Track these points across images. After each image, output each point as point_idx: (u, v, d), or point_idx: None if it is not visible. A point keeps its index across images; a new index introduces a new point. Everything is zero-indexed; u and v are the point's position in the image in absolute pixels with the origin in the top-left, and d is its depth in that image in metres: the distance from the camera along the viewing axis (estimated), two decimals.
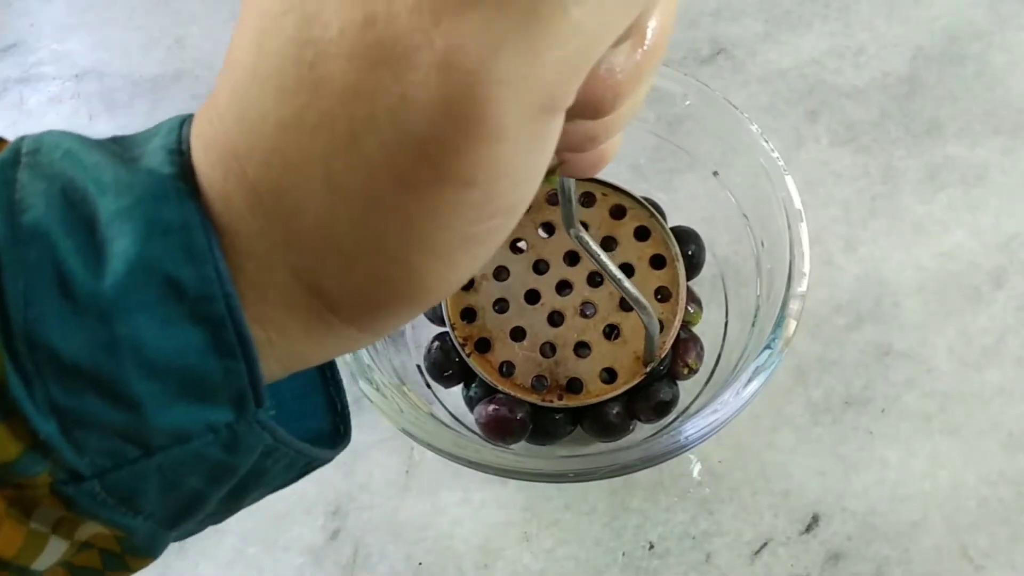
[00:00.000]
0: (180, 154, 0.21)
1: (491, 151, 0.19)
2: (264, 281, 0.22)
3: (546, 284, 0.51)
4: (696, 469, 0.55)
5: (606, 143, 0.26)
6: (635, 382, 0.49)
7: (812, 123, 0.64)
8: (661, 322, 0.49)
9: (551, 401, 0.49)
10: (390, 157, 0.19)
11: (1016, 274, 0.58)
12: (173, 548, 0.53)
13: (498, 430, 0.50)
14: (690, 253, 0.52)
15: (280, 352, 0.23)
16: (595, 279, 0.51)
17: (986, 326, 0.57)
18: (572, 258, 0.51)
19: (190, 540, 0.53)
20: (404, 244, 0.21)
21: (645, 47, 0.22)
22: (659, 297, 0.50)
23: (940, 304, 0.58)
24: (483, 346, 0.50)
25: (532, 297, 0.51)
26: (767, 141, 0.49)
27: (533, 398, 0.49)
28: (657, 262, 0.51)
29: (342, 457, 0.55)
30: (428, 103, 0.18)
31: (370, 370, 0.46)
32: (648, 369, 0.49)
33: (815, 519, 0.53)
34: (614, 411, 0.50)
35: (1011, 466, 0.54)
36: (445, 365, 0.51)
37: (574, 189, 0.37)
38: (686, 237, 0.53)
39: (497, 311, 0.51)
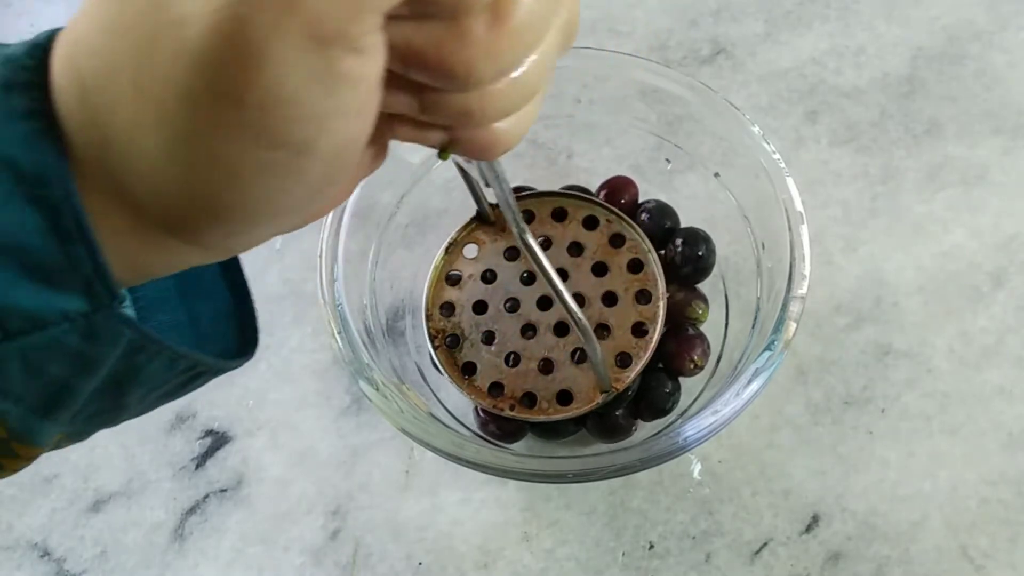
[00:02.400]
0: (42, 50, 0.22)
1: (257, 75, 0.20)
2: (93, 181, 0.23)
3: (528, 296, 0.52)
4: (696, 469, 0.55)
5: (494, 126, 0.26)
6: (587, 408, 0.50)
7: (812, 123, 0.64)
8: (629, 354, 0.50)
9: (501, 409, 0.50)
10: (177, 69, 0.20)
11: (1016, 274, 0.58)
12: (173, 549, 0.54)
13: (497, 428, 0.51)
14: (700, 255, 0.53)
15: (121, 253, 0.24)
16: (577, 300, 0.51)
17: (986, 326, 0.57)
18: (560, 275, 0.52)
19: (189, 540, 0.54)
20: (199, 158, 0.21)
21: (508, 23, 0.22)
22: (635, 331, 0.51)
23: (940, 304, 0.58)
24: (453, 342, 0.51)
25: (512, 306, 0.52)
26: (768, 143, 0.49)
27: (485, 402, 0.50)
28: (643, 297, 0.51)
29: (342, 456, 0.55)
30: (200, 19, 0.19)
31: (369, 369, 0.46)
32: (601, 399, 0.49)
33: (815, 519, 0.53)
34: (617, 413, 0.51)
35: (1011, 466, 0.54)
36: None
37: (507, 188, 0.37)
38: (696, 239, 0.53)
39: (475, 312, 0.52)
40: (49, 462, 0.57)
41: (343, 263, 0.48)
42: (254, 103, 0.20)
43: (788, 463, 0.55)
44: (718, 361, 0.53)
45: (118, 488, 0.56)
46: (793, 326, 0.45)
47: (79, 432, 0.29)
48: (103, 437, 0.57)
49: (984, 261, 0.59)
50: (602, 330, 0.51)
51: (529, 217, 0.53)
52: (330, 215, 0.49)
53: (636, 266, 0.52)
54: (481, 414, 0.52)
